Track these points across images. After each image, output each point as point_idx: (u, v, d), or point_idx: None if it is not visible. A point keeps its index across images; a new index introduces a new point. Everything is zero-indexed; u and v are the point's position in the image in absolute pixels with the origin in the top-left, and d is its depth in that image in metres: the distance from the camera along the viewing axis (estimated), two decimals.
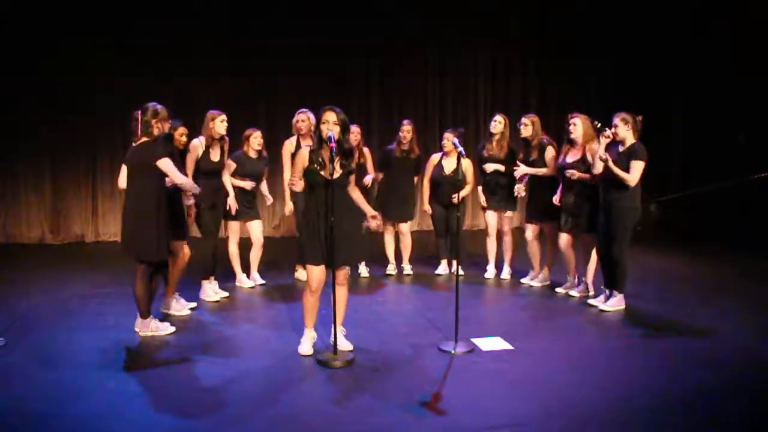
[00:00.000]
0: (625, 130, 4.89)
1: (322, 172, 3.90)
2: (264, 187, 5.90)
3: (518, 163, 5.75)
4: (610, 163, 4.81)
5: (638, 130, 4.93)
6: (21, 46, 8.12)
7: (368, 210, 4.17)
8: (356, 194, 4.14)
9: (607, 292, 5.18)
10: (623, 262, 4.98)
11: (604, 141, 4.91)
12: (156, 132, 4.35)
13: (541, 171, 5.65)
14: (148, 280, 4.45)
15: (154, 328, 4.49)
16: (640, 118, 4.94)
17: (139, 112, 4.31)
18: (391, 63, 9.44)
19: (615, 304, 5.08)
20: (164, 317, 4.87)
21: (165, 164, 4.27)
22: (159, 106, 4.37)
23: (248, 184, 5.69)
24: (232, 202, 5.48)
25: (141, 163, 4.28)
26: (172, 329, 4.56)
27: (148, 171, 4.28)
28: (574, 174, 5.22)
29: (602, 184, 5.01)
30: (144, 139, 4.31)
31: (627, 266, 5.01)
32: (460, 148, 4.47)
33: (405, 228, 6.46)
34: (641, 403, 3.36)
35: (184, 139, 5.14)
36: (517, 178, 5.79)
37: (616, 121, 4.91)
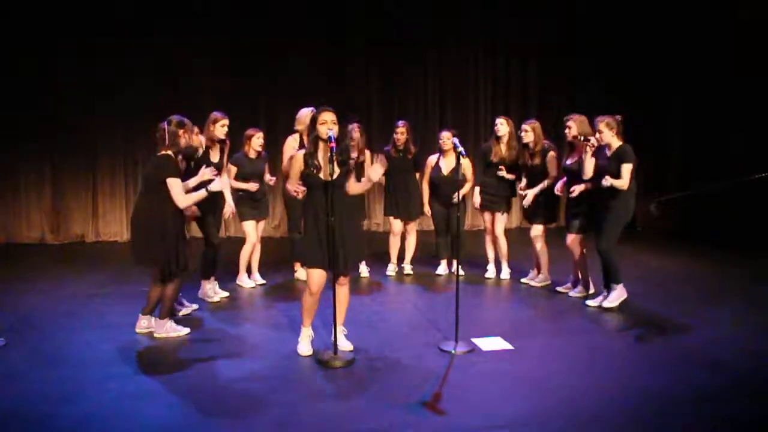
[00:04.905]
0: (610, 136, 4.95)
1: (320, 175, 3.89)
2: (266, 175, 5.85)
3: (522, 179, 5.85)
4: (607, 182, 4.85)
5: (621, 132, 4.98)
6: (21, 46, 8.12)
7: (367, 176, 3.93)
8: (355, 186, 4.01)
9: (606, 292, 5.19)
10: (611, 256, 5.01)
11: (589, 150, 5.00)
12: (183, 142, 4.35)
13: (545, 184, 5.65)
14: (181, 284, 4.47)
15: (169, 330, 4.47)
16: (619, 117, 5.00)
17: (165, 123, 4.28)
18: (391, 63, 9.43)
19: (616, 297, 5.08)
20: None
21: (172, 184, 4.20)
22: (184, 118, 4.38)
23: (253, 186, 5.70)
24: (228, 210, 5.40)
25: (160, 175, 4.21)
26: (187, 330, 4.54)
27: (164, 183, 4.22)
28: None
29: (594, 186, 5.05)
30: (167, 151, 4.26)
31: (615, 260, 5.03)
32: (461, 148, 4.47)
33: (411, 227, 6.49)
34: (641, 403, 3.36)
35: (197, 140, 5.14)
36: (521, 189, 5.86)
37: (600, 126, 4.95)
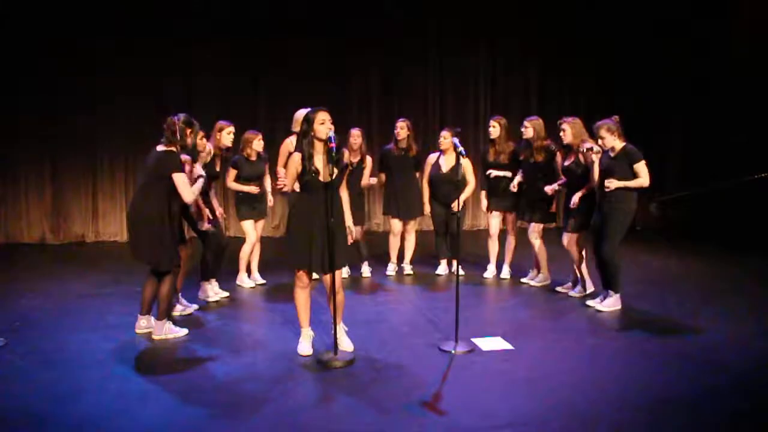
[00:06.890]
0: (612, 140, 4.96)
1: (319, 177, 3.87)
2: (268, 184, 5.91)
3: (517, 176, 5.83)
4: (620, 183, 4.84)
5: (622, 132, 4.99)
6: (21, 46, 8.12)
7: (348, 219, 4.04)
8: (345, 195, 4.07)
9: (606, 292, 5.19)
10: (614, 262, 4.99)
11: (596, 159, 5.03)
12: (189, 141, 4.39)
13: (559, 184, 5.57)
14: (175, 282, 4.49)
15: (167, 331, 4.46)
16: (617, 118, 5.02)
17: (175, 119, 4.30)
18: (391, 63, 9.42)
19: (611, 304, 5.09)
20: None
21: (179, 179, 4.23)
22: (192, 118, 4.41)
23: (253, 189, 5.73)
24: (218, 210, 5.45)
25: (164, 170, 4.23)
26: (185, 331, 4.53)
27: (168, 179, 4.24)
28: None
29: (599, 186, 5.05)
30: (173, 148, 4.28)
31: (618, 266, 5.01)
32: (461, 148, 4.45)
33: (410, 226, 6.48)
34: (641, 403, 3.36)
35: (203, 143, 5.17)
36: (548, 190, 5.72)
37: (601, 132, 4.96)
